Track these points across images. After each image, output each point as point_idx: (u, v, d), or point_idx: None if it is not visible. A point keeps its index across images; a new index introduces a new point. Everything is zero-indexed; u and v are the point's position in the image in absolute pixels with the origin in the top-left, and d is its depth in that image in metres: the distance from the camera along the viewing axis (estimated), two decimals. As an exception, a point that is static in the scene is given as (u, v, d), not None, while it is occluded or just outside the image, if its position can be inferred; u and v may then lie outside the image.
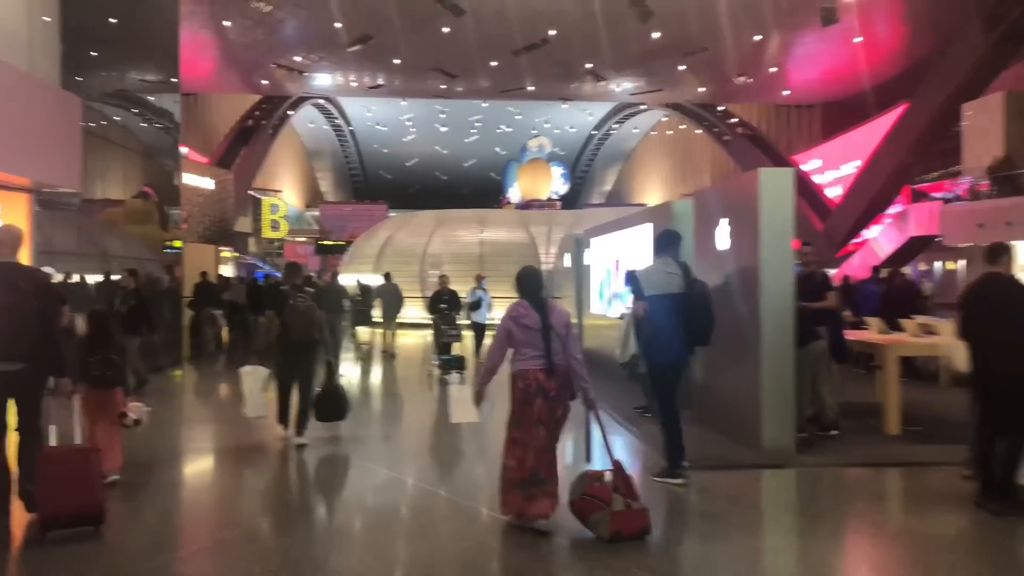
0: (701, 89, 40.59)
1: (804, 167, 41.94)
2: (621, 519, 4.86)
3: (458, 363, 13.13)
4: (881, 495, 6.63)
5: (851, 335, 8.90)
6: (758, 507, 6.13)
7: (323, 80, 43.30)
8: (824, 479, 6.70)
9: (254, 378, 7.70)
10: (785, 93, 39.64)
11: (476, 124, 62.10)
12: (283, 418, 7.87)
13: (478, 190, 67.02)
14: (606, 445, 5.32)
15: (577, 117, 60.40)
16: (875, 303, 12.54)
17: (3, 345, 5.15)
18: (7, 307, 5.12)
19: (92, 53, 22.50)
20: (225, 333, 19.63)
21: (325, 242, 44.59)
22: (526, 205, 38.64)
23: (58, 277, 17.33)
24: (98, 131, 19.18)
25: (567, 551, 4.91)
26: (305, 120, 58.04)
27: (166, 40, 24.05)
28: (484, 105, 53.63)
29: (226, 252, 29.14)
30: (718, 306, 7.44)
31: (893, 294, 12.65)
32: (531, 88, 40.70)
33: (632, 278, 6.31)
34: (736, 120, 46.18)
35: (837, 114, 42.55)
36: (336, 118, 61.47)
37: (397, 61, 36.90)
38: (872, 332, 9.37)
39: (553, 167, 42.81)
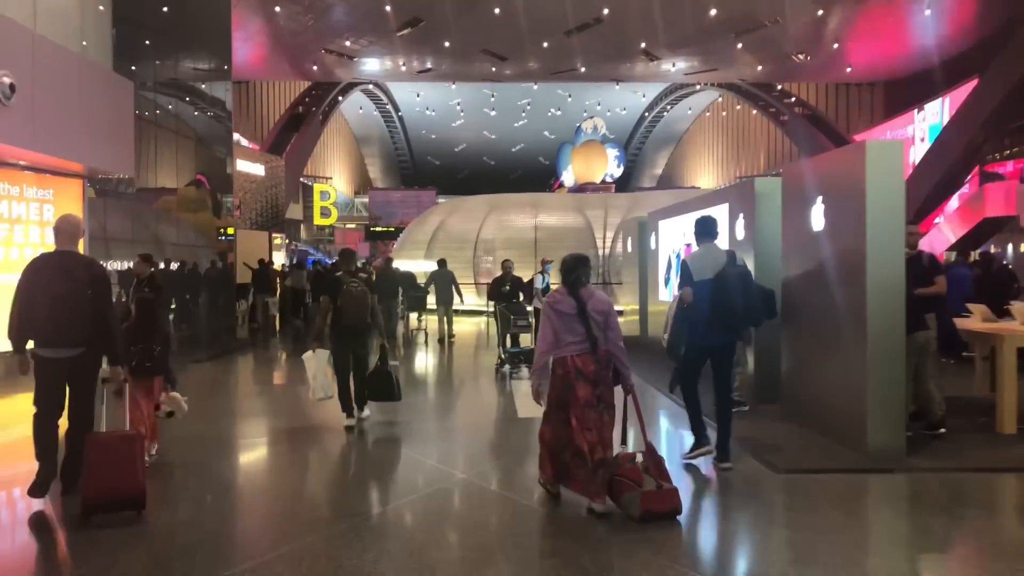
0: (759, 68, 39.33)
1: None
2: (651, 499, 4.94)
3: (528, 356, 11.73)
4: (1003, 505, 5.90)
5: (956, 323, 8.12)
6: (859, 515, 5.45)
7: (372, 65, 43.01)
8: (937, 485, 5.99)
9: (317, 362, 7.85)
10: (848, 70, 38.17)
11: (525, 108, 61.44)
12: (345, 406, 7.99)
13: (527, 175, 66.45)
14: (642, 429, 5.37)
15: (629, 99, 59.35)
16: (965, 288, 11.65)
17: (60, 332, 5.32)
18: (63, 295, 5.29)
19: (145, 42, 22.41)
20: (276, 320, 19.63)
21: (376, 228, 44.34)
22: (580, 188, 37.75)
23: (115, 265, 17.32)
24: (151, 120, 19.06)
25: (611, 531, 4.88)
26: (354, 106, 57.97)
27: (218, 28, 23.87)
28: (534, 87, 52.94)
29: (278, 239, 29.01)
30: (812, 293, 6.83)
31: (990, 279, 11.74)
32: (582, 69, 39.86)
33: (682, 264, 6.37)
34: (794, 99, 44.73)
35: (900, 92, 40.98)
36: (385, 104, 61.30)
37: (447, 44, 36.40)
38: (976, 320, 8.57)
39: (608, 149, 41.69)
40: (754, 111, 48.08)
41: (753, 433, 7.29)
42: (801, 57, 37.08)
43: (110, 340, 5.46)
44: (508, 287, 13.16)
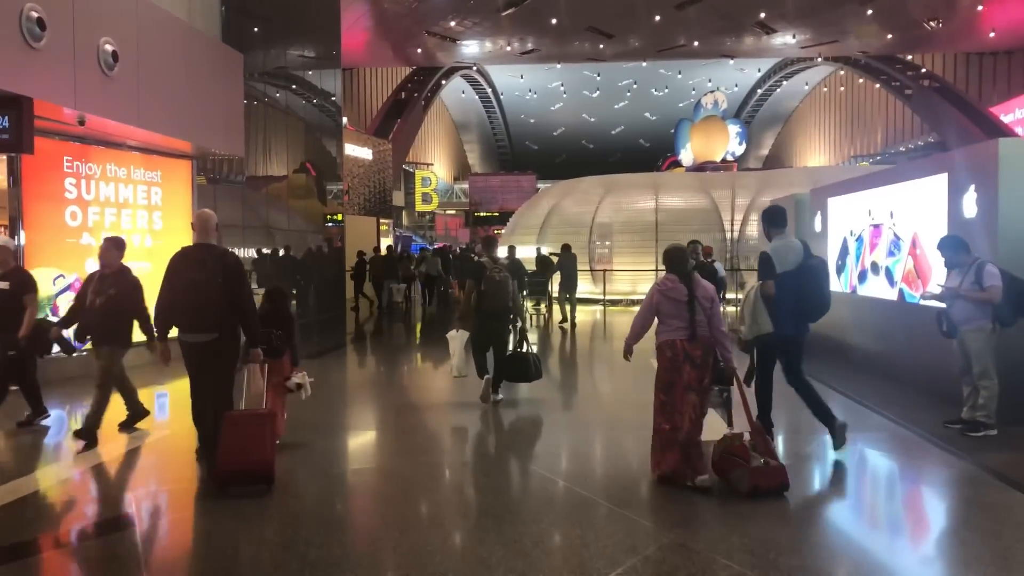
0: (887, 37, 36.14)
1: (1006, 119, 36.92)
2: (759, 474, 5.07)
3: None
4: None
5: None
6: None
7: (474, 48, 41.78)
8: None
9: (459, 341, 8.22)
10: (991, 34, 34.61)
11: (631, 88, 59.28)
12: (481, 372, 8.23)
13: (627, 158, 64.21)
14: (746, 410, 5.52)
15: (735, 76, 56.42)
16: None
17: (197, 318, 5.61)
18: (198, 283, 5.56)
19: (253, 29, 21.57)
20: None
21: (480, 213, 43.19)
22: (699, 167, 35.38)
23: (243, 254, 16.53)
24: (259, 107, 18.19)
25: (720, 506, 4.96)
26: (454, 92, 56.99)
27: (327, 13, 22.91)
28: (641, 65, 50.67)
29: (385, 225, 28.09)
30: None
31: None
32: (695, 44, 37.51)
33: (764, 256, 6.27)
34: (923, 71, 41.22)
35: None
36: (484, 88, 60.16)
37: (552, 22, 34.72)
38: None
39: (730, 125, 38.84)
40: (875, 85, 44.55)
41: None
42: (933, 24, 33.83)
43: (245, 324, 5.71)
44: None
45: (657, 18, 33.97)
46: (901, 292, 8.77)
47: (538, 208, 22.89)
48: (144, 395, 7.71)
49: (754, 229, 20.20)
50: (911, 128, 45.92)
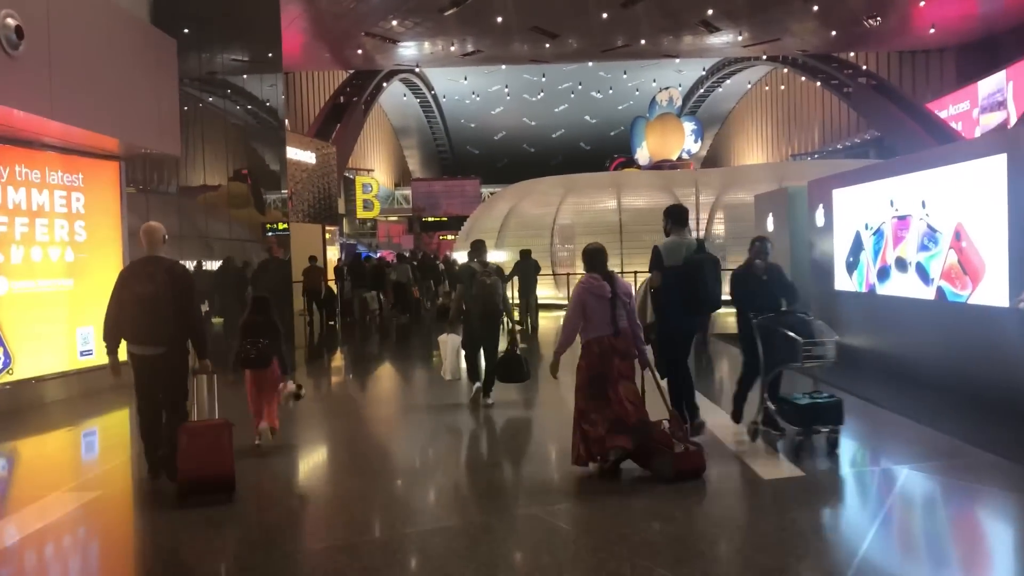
0: (831, 34, 35.85)
1: (941, 115, 37.05)
2: (682, 460, 5.25)
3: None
4: None
5: None
6: None
7: (415, 50, 40.22)
8: None
9: (450, 345, 8.21)
10: (931, 30, 34.59)
11: (572, 91, 58.43)
12: (473, 376, 8.39)
13: (568, 161, 63.34)
14: (663, 399, 5.82)
15: (676, 78, 56.01)
16: None
17: (146, 331, 5.51)
18: (146, 297, 5.47)
19: (184, 30, 19.77)
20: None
21: (428, 218, 41.74)
22: (656, 166, 34.43)
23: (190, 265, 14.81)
24: (193, 112, 16.54)
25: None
26: (394, 96, 55.30)
27: (266, 13, 21.27)
28: (588, 66, 49.66)
29: (330, 233, 26.43)
30: None
31: None
32: (642, 42, 36.62)
33: (654, 250, 6.49)
34: (864, 68, 41.24)
35: (976, 57, 37.41)
36: (424, 93, 58.60)
37: (496, 21, 33.44)
38: None
39: (685, 122, 37.78)
40: (813, 84, 44.37)
41: None
42: (872, 22, 33.65)
43: (193, 336, 5.63)
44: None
45: (603, 16, 32.99)
46: (941, 290, 7.73)
47: (494, 211, 21.61)
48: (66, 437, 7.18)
49: (722, 227, 19.29)
50: (848, 126, 46.05)
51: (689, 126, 38.08)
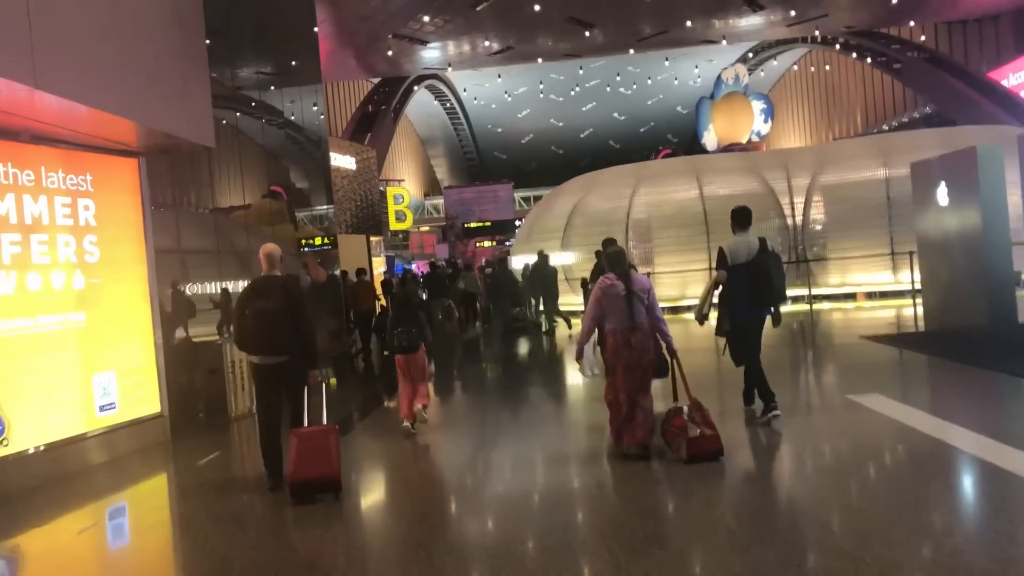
0: (883, 4, 32.98)
1: (1009, 84, 34.04)
2: (696, 444, 5.56)
3: None
4: None
5: None
6: None
7: (445, 51, 37.95)
8: None
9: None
10: None
11: (595, 92, 55.92)
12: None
13: (597, 160, 60.74)
14: (685, 386, 5.94)
15: (703, 69, 53.28)
16: None
17: (267, 342, 5.77)
18: (265, 312, 5.79)
19: (207, 41, 17.57)
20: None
21: (471, 224, 39.51)
22: (725, 150, 31.63)
23: (195, 288, 12.64)
24: (225, 130, 14.36)
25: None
26: (420, 105, 53.06)
27: (300, 21, 19.09)
28: (614, 63, 47.01)
29: (375, 242, 24.10)
30: None
31: None
32: (687, 24, 33.89)
33: (720, 251, 6.81)
34: (921, 40, 38.34)
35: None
36: (449, 99, 56.34)
37: (531, 11, 30.99)
38: None
39: (753, 101, 34.57)
40: (851, 65, 41.37)
41: None
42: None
43: (304, 348, 5.84)
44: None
45: (642, 0, 30.46)
46: None
47: (555, 208, 19.09)
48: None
49: (821, 212, 16.68)
50: (892, 105, 43.10)
51: (758, 105, 34.83)
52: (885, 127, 42.66)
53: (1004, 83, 34.96)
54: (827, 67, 46.88)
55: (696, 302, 7.90)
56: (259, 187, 19.46)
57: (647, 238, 17.35)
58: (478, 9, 30.54)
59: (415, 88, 45.26)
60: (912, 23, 37.78)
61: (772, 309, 6.85)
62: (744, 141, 33.17)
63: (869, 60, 38.88)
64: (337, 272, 17.75)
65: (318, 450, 5.38)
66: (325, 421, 5.91)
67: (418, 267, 39.61)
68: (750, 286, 6.57)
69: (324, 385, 6.39)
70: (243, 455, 7.56)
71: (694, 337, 12.47)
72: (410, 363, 7.22)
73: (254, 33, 16.32)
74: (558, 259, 18.09)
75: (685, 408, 5.73)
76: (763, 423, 6.54)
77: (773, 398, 6.61)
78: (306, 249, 19.79)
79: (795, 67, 50.06)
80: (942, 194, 9.28)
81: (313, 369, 5.89)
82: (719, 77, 35.82)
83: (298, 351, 5.78)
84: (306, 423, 5.78)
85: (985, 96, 32.62)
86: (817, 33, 38.78)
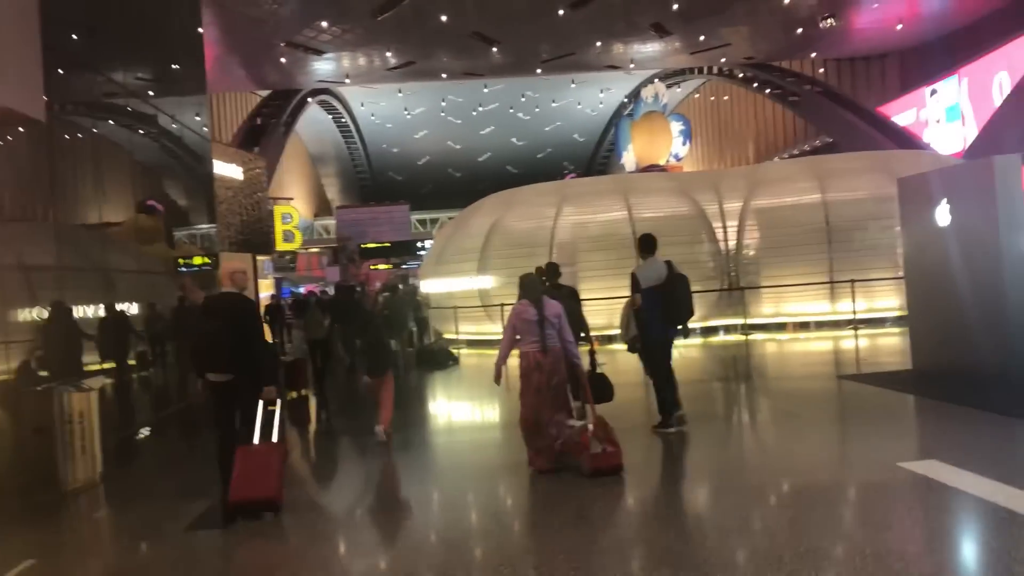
0: (781, 37, 33.21)
1: (898, 120, 34.89)
2: (598, 459, 5.91)
3: None
4: None
5: None
6: None
7: (341, 63, 35.67)
8: None
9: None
10: (898, 27, 32.23)
11: (493, 116, 54.71)
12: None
13: (495, 185, 59.52)
14: (591, 405, 6.36)
15: (600, 97, 53.05)
16: None
17: (218, 359, 5.83)
18: (216, 329, 5.85)
19: (72, 36, 14.79)
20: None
21: (369, 245, 37.27)
22: (643, 171, 30.51)
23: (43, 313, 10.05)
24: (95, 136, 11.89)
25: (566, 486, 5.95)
26: (312, 121, 50.32)
27: (182, 22, 16.66)
28: (519, 85, 45.98)
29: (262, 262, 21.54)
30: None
31: None
32: (597, 44, 32.93)
33: (632, 275, 7.37)
34: (819, 72, 39.03)
35: (919, 60, 35.55)
36: (343, 116, 53.82)
37: (434, 24, 29.27)
38: None
39: (672, 122, 33.56)
40: (759, 92, 41.65)
41: None
42: (828, 22, 31.11)
43: (257, 364, 5.89)
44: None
45: (550, 19, 29.32)
46: None
47: (471, 227, 17.31)
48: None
49: (755, 236, 15.58)
50: (784, 136, 43.88)
51: (677, 126, 33.97)
52: (776, 158, 43.35)
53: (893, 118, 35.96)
54: (726, 97, 47.40)
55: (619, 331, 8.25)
56: (129, 201, 16.82)
57: (572, 261, 15.78)
58: (380, 19, 28.58)
59: (308, 101, 42.66)
60: (813, 54, 38.44)
61: (681, 326, 7.51)
62: (662, 163, 32.42)
63: (768, 91, 39.26)
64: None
65: (259, 469, 5.30)
66: (276, 438, 5.88)
67: (307, 291, 36.95)
68: (663, 306, 7.18)
69: (280, 402, 6.24)
70: (82, 555, 5.31)
71: (621, 364, 10.96)
72: (377, 385, 8.09)
73: (127, 31, 13.82)
74: (475, 283, 16.32)
75: (590, 426, 6.08)
76: (662, 434, 7.19)
77: (680, 408, 7.36)
78: (183, 269, 17.39)
79: (696, 95, 50.44)
80: (942, 213, 8.07)
81: (268, 385, 5.89)
82: (639, 96, 35.03)
83: (250, 367, 5.80)
84: (256, 440, 5.71)
85: (877, 130, 33.25)
86: (723, 60, 38.89)
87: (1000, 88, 29.42)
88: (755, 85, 40.63)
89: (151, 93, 15.82)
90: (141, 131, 15.48)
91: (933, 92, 33.62)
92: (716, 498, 5.77)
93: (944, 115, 33.34)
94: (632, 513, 5.57)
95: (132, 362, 11.78)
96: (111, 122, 13.72)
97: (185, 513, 5.82)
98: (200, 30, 18.48)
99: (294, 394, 11.92)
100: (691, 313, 7.45)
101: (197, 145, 17.42)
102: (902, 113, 35.64)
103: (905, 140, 31.90)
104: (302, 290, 38.26)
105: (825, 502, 5.26)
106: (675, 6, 28.63)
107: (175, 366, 13.33)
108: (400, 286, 18.59)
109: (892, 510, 4.98)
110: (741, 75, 40.88)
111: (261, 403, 5.91)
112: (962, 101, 32.15)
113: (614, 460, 5.92)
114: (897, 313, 14.99)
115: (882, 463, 5.93)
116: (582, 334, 7.92)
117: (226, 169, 19.50)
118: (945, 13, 31.24)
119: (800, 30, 32.22)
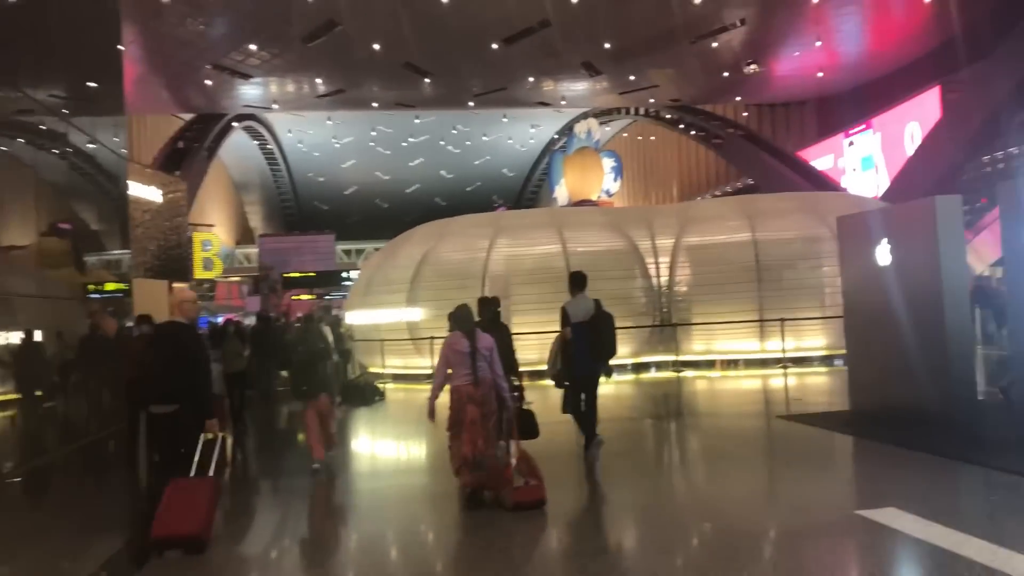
0: (704, 81, 34.12)
1: (817, 164, 36.15)
2: (520, 493, 5.94)
3: None
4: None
5: None
6: None
7: (268, 89, 34.88)
8: None
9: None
10: (819, 75, 33.51)
11: (422, 148, 54.44)
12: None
13: (423, 216, 59.05)
14: (516, 440, 6.36)
15: (531, 133, 53.49)
16: None
17: (159, 390, 5.75)
18: (157, 360, 5.85)
19: None
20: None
21: (292, 274, 36.13)
22: (575, 206, 30.44)
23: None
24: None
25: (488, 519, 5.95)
26: (236, 147, 49.01)
27: (97, 34, 15.79)
28: (449, 119, 45.92)
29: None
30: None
31: None
32: (530, 79, 33.14)
33: (562, 310, 7.76)
34: (732, 120, 40.12)
35: (837, 109, 37.02)
36: (268, 143, 52.63)
37: (367, 53, 28.93)
38: None
39: (604, 158, 33.53)
40: (684, 134, 42.66)
41: None
42: (752, 68, 32.16)
43: (198, 396, 5.76)
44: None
45: (483, 53, 29.38)
46: None
47: (400, 258, 16.81)
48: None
49: (687, 273, 15.58)
50: (706, 178, 44.97)
51: (608, 162, 34.15)
52: (698, 199, 44.36)
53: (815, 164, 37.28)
54: (652, 137, 48.36)
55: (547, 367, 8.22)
56: (35, 224, 15.73)
57: (505, 293, 15.44)
58: (310, 45, 28.07)
59: (233, 126, 41.49)
60: (737, 98, 39.55)
61: (605, 363, 7.73)
62: (594, 198, 32.60)
63: (692, 133, 40.20)
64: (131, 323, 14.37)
65: (186, 504, 5.12)
66: (212, 473, 5.71)
67: (224, 319, 35.53)
68: (590, 342, 7.42)
69: (220, 435, 6.06)
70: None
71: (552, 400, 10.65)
72: (314, 408, 7.88)
73: (39, 44, 12.96)
74: (403, 314, 15.81)
75: (513, 460, 6.13)
76: (589, 455, 7.44)
77: (595, 432, 7.59)
78: (94, 296, 16.33)
79: (624, 134, 51.31)
80: (882, 253, 8.07)
81: (210, 419, 5.78)
82: (572, 131, 35.24)
83: (195, 399, 5.71)
84: (192, 473, 5.56)
85: (797, 173, 34.31)
86: (651, 101, 39.67)
87: (912, 138, 30.82)
88: (681, 127, 41.56)
89: (65, 111, 14.91)
90: (51, 149, 14.53)
91: (851, 144, 35.11)
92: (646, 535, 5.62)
93: (860, 164, 34.79)
94: (551, 547, 5.53)
95: (38, 393, 10.88)
96: (21, 140, 12.81)
97: (90, 554, 5.52)
98: (120, 47, 17.67)
99: (210, 435, 10.97)
100: (613, 351, 7.69)
101: (113, 165, 16.50)
102: (821, 158, 37.04)
103: (824, 184, 33.00)
104: (219, 319, 36.79)
105: (781, 549, 4.99)
106: (606, 45, 29.08)
107: (83, 397, 12.38)
108: (317, 315, 17.81)
109: (871, 562, 4.75)
110: (667, 116, 41.80)
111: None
112: (875, 152, 33.61)
113: (536, 494, 5.95)
114: (824, 352, 15.16)
115: (840, 510, 5.71)
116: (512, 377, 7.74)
117: (144, 191, 18.52)
118: (861, 64, 32.65)
119: (725, 74, 33.13)
